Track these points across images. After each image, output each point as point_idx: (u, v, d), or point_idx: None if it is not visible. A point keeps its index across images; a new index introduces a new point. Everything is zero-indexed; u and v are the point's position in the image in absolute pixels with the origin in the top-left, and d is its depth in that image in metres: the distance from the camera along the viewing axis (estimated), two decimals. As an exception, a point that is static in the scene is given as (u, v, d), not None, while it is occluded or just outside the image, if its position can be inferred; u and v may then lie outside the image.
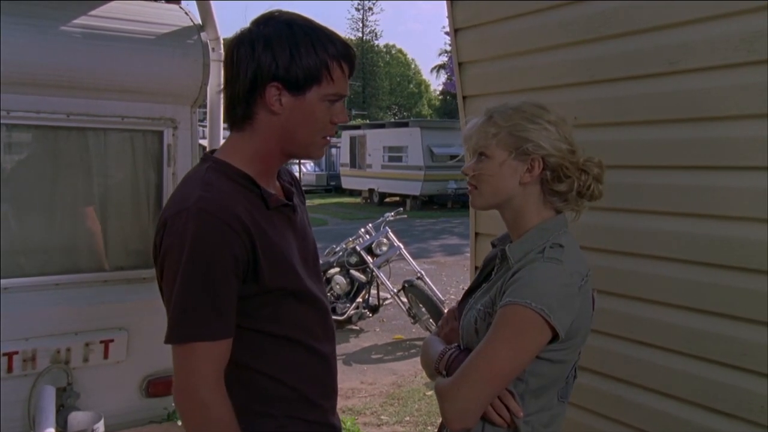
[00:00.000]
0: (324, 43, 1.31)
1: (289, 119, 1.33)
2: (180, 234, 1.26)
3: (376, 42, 51.14)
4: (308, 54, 1.29)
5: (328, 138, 1.40)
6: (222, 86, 1.39)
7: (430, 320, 6.23)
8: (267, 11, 1.36)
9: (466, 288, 1.59)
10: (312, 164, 24.76)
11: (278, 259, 1.34)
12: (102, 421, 2.65)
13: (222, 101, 3.40)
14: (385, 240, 6.55)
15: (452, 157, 17.42)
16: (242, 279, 1.29)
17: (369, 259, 6.41)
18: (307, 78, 1.30)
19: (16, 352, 2.63)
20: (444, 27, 33.12)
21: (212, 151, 1.43)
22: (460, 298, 1.59)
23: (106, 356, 2.83)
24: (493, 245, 1.54)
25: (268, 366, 1.36)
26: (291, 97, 1.31)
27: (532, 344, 1.30)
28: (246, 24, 1.36)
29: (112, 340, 2.84)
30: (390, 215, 6.93)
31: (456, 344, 1.48)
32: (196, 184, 1.32)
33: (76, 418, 2.67)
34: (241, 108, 1.33)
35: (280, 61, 1.28)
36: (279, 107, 1.32)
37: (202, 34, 3.04)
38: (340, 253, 6.63)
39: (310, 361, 1.42)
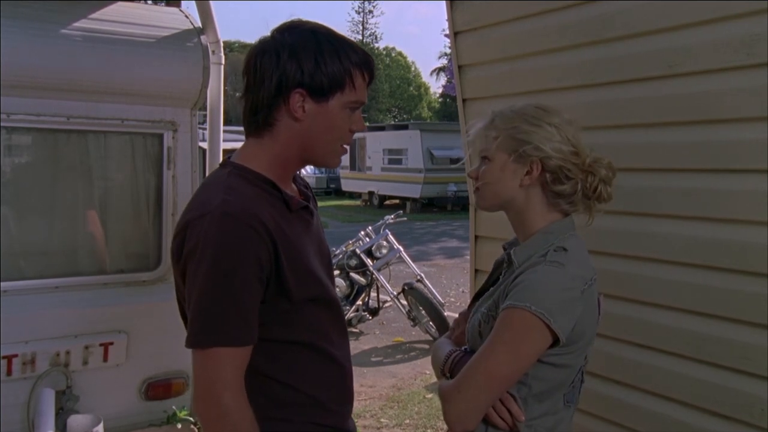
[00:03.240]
0: (347, 52, 1.33)
1: (311, 126, 1.34)
2: (203, 237, 1.25)
3: (376, 44, 51.21)
4: (333, 61, 1.31)
5: (346, 147, 1.42)
6: (241, 93, 1.40)
7: (430, 323, 6.23)
8: (288, 20, 1.38)
9: (466, 291, 1.60)
10: (311, 166, 24.68)
11: (300, 264, 1.34)
12: (101, 424, 2.65)
13: (222, 106, 3.41)
14: (384, 243, 6.55)
15: (453, 160, 17.42)
16: (265, 284, 1.28)
17: (369, 261, 6.41)
18: (332, 85, 1.32)
19: (16, 355, 2.63)
20: (444, 30, 33.16)
21: (229, 156, 1.44)
22: (468, 302, 1.60)
23: (105, 359, 2.82)
24: (504, 249, 1.54)
25: (284, 373, 1.35)
26: (314, 104, 1.33)
27: (532, 348, 1.29)
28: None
29: (111, 343, 2.83)
30: (390, 218, 6.92)
31: (464, 347, 1.48)
32: (218, 189, 1.32)
33: (76, 421, 2.67)
34: (263, 114, 1.34)
35: (306, 69, 1.30)
36: (302, 114, 1.33)
37: (202, 37, 3.04)
38: (340, 256, 6.62)
39: (326, 367, 1.42)
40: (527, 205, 1.42)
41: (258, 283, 1.27)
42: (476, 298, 1.53)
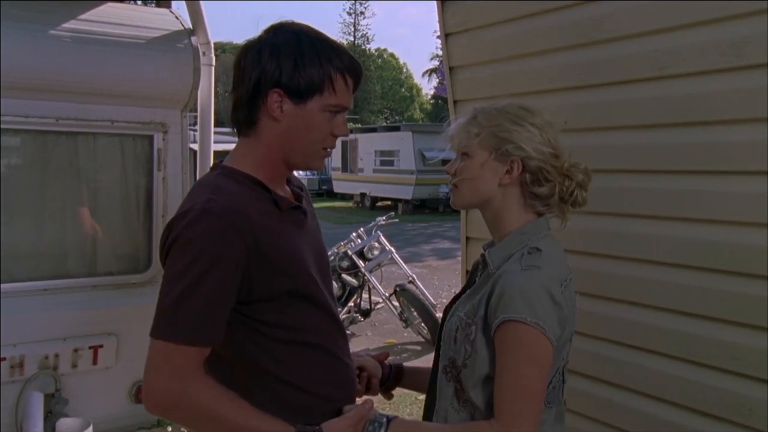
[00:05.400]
0: (329, 55, 1.34)
1: (289, 127, 1.34)
2: (181, 234, 1.26)
3: (368, 46, 51.27)
4: (312, 64, 1.32)
5: (328, 150, 1.42)
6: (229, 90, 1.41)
7: (422, 324, 6.23)
8: (278, 21, 1.39)
9: (458, 292, 1.59)
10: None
11: (288, 260, 1.34)
12: (91, 428, 2.63)
13: (213, 108, 3.40)
14: (376, 244, 6.55)
15: (445, 162, 17.46)
16: (247, 282, 1.28)
17: (361, 263, 6.41)
18: (309, 87, 1.32)
19: (4, 359, 2.60)
20: (435, 31, 33.27)
21: (220, 160, 1.45)
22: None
23: (95, 362, 2.81)
24: (484, 249, 1.54)
25: (294, 375, 1.35)
26: (292, 105, 1.33)
27: (549, 356, 1.31)
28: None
29: (101, 346, 2.81)
30: (382, 219, 6.92)
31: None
32: (205, 189, 1.34)
33: (65, 424, 2.65)
34: (243, 112, 1.36)
35: (284, 69, 1.31)
36: (280, 114, 1.33)
37: (193, 38, 3.03)
38: (332, 257, 6.62)
39: (334, 365, 1.42)
40: (504, 204, 1.41)
41: (231, 282, 1.27)
42: (454, 300, 1.53)
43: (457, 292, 1.58)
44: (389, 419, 1.33)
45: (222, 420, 1.25)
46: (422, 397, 4.55)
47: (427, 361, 2.43)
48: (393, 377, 1.66)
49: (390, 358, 1.72)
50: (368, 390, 1.64)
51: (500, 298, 1.30)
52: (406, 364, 1.73)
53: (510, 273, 1.33)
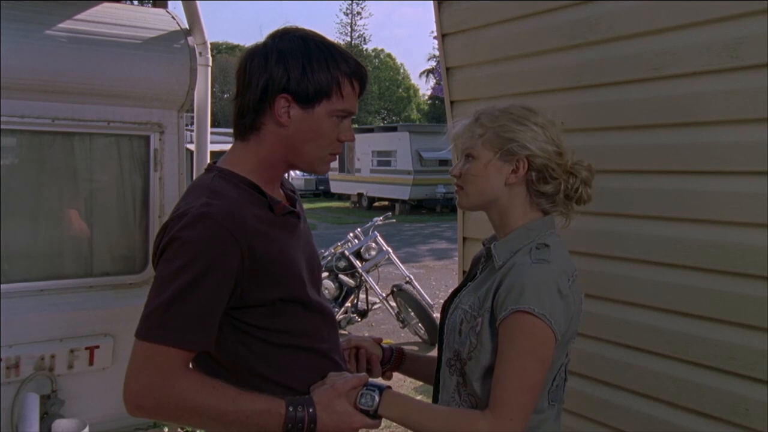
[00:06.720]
0: (337, 60, 1.33)
1: (296, 132, 1.34)
2: (178, 235, 1.25)
3: (365, 46, 51.27)
4: (320, 69, 1.31)
5: (334, 155, 1.41)
6: (233, 96, 1.40)
7: (419, 324, 6.24)
8: (282, 26, 1.38)
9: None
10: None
11: (282, 267, 1.33)
12: (87, 429, 2.63)
13: (209, 108, 3.40)
14: (373, 244, 6.54)
15: (442, 162, 17.48)
16: (240, 288, 1.27)
17: (358, 263, 6.40)
18: (318, 92, 1.31)
19: (0, 360, 2.60)
20: (432, 32, 33.25)
21: (215, 161, 1.44)
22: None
23: (91, 363, 2.80)
24: (484, 245, 1.54)
25: (288, 377, 1.35)
26: (300, 110, 1.32)
27: (551, 349, 1.31)
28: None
29: (97, 347, 2.81)
30: (379, 219, 6.93)
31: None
32: (202, 192, 1.32)
33: (61, 425, 2.65)
34: (249, 117, 1.34)
35: (292, 74, 1.30)
36: (287, 119, 1.32)
37: (189, 39, 3.03)
38: (329, 258, 6.62)
39: (327, 367, 1.42)
40: (510, 204, 1.42)
41: (225, 288, 1.26)
42: (453, 295, 1.52)
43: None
44: (381, 389, 1.33)
45: (211, 410, 1.24)
46: (420, 397, 4.56)
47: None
48: (394, 359, 1.67)
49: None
50: (369, 371, 1.64)
51: (509, 290, 1.31)
52: (408, 351, 1.73)
53: (520, 266, 1.34)
